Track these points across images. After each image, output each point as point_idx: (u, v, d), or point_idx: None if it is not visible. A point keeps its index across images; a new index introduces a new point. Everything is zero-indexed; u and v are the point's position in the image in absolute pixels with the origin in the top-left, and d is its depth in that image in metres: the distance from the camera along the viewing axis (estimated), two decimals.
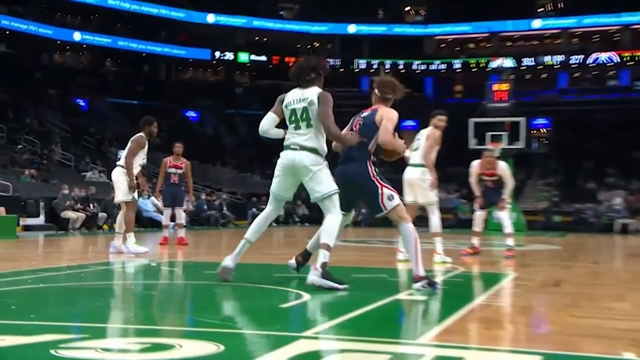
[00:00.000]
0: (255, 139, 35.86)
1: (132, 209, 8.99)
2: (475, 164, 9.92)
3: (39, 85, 34.52)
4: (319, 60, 5.64)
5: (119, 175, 8.91)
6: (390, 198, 5.35)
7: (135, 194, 9.03)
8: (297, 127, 5.34)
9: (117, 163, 9.11)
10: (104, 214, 17.19)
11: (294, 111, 5.36)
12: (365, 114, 5.87)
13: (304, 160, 5.27)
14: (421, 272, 5.29)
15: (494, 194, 9.75)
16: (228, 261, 5.50)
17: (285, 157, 5.36)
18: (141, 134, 8.95)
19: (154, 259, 8.52)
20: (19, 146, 23.83)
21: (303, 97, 5.36)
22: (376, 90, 6.01)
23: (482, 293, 5.66)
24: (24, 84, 32.67)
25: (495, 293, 5.61)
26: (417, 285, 5.26)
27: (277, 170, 5.45)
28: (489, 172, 9.77)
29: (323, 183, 5.29)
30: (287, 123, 5.42)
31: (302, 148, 5.28)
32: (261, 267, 7.38)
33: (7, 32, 34.30)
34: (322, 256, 5.17)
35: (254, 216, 24.98)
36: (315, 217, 29.18)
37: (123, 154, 9.10)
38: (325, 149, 5.39)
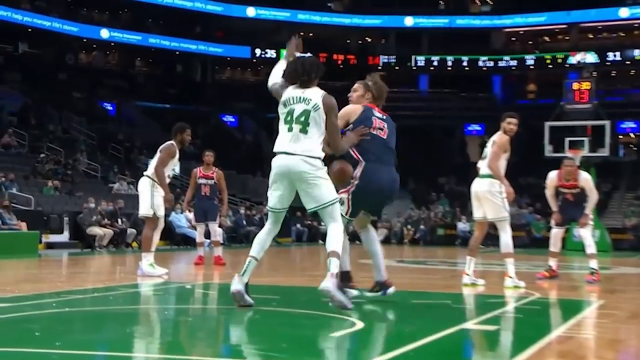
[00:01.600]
0: None
1: (151, 226, 9.09)
2: (553, 175, 9.76)
3: (64, 87, 35.44)
4: (316, 58, 5.71)
5: (144, 187, 9.05)
6: None
7: (162, 209, 9.12)
8: (290, 130, 5.41)
9: (145, 173, 9.23)
10: (133, 230, 17.49)
11: (291, 112, 5.43)
12: (380, 115, 6.09)
13: (299, 166, 5.33)
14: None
15: (575, 209, 9.56)
16: (237, 285, 5.52)
17: (277, 164, 5.42)
18: (172, 141, 9.09)
19: (188, 281, 8.63)
20: (42, 155, 24.47)
21: (305, 97, 5.43)
22: (375, 91, 6.17)
23: (561, 323, 5.55)
24: (47, 86, 33.61)
25: (578, 323, 5.49)
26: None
27: (272, 181, 5.50)
28: (569, 183, 9.60)
29: (323, 190, 5.37)
30: (282, 123, 5.49)
31: (297, 153, 5.34)
32: (307, 290, 7.38)
33: (30, 30, 35.34)
34: (335, 265, 5.28)
35: (299, 233, 25.04)
36: None
37: (152, 163, 9.23)
38: (322, 153, 5.46)
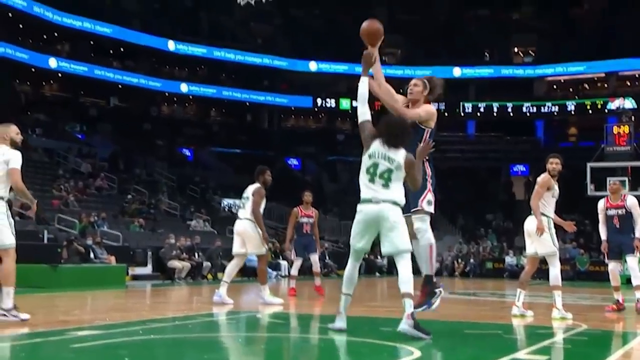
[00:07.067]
0: (357, 186, 35.90)
1: (264, 262, 9.27)
2: (601, 201, 9.30)
3: (148, 136, 36.51)
4: (407, 125, 5.68)
5: (250, 228, 9.03)
6: None
7: (266, 247, 9.23)
8: (373, 182, 5.47)
9: (242, 217, 9.16)
10: (208, 264, 17.68)
11: (375, 165, 5.50)
12: None
13: (386, 212, 5.39)
14: None
15: (622, 236, 8.95)
16: (340, 323, 5.62)
17: (366, 212, 5.47)
18: (258, 184, 9.20)
19: (258, 311, 8.64)
20: (129, 196, 25.07)
21: (390, 157, 5.48)
22: (431, 88, 6.31)
23: (609, 354, 5.33)
24: (134, 135, 34.67)
25: (625, 354, 5.27)
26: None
27: (358, 226, 5.53)
28: (616, 203, 9.07)
29: (403, 238, 5.40)
30: (364, 171, 5.55)
31: (385, 201, 5.41)
32: (366, 320, 7.31)
33: (120, 87, 36.70)
34: (409, 305, 5.26)
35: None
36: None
37: (246, 207, 9.16)
38: (404, 201, 5.49)
